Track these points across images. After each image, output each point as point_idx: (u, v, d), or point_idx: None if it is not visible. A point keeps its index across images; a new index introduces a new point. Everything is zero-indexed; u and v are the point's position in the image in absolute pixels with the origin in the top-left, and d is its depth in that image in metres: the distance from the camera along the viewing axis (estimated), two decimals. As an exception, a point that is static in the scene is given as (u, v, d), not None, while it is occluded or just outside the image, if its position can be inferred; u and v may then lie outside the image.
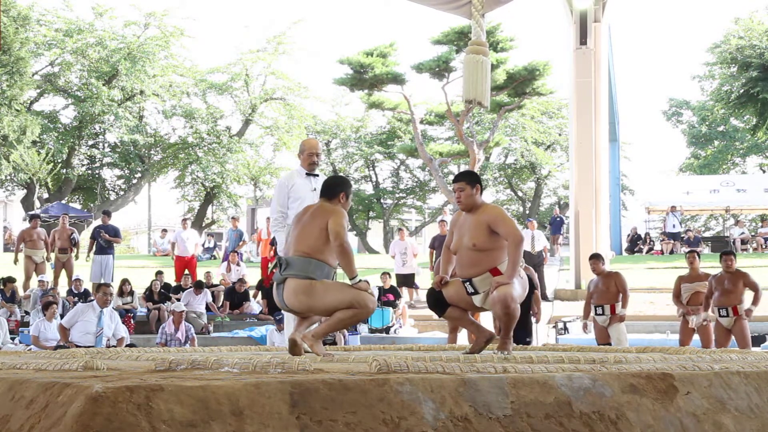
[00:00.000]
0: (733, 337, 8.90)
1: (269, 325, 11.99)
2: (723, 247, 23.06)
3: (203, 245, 21.16)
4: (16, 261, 13.73)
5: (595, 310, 9.02)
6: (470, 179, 4.98)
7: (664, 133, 70.17)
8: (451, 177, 34.63)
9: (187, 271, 13.99)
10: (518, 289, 4.81)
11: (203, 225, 33.03)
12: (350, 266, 4.52)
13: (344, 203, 4.69)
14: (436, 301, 5.05)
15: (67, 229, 13.92)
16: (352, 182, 37.85)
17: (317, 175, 5.85)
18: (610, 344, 8.65)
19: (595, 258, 9.15)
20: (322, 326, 4.56)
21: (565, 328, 11.96)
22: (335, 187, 4.73)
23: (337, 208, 4.60)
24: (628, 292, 9.06)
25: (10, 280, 12.78)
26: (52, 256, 13.77)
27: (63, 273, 13.72)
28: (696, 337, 9.26)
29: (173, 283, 13.78)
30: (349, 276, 4.54)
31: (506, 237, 4.80)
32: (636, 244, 24.45)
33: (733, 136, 37.22)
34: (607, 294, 8.94)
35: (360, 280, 4.54)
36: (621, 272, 9.29)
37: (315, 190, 5.66)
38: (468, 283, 4.90)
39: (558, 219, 21.39)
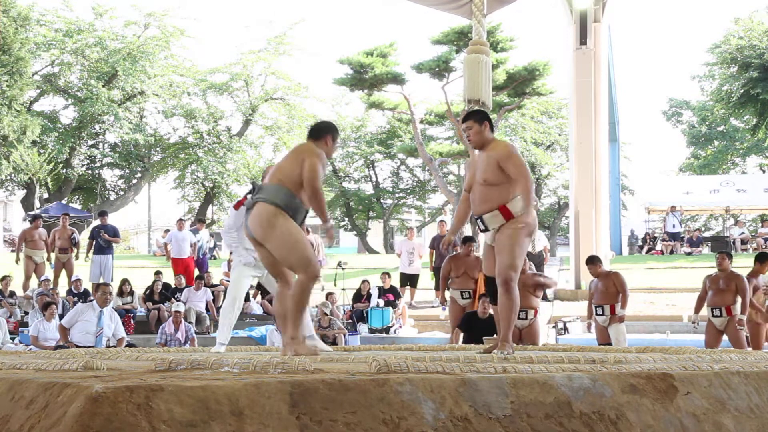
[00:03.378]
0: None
1: (269, 325, 11.99)
2: (722, 247, 23.14)
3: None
4: (17, 260, 13.74)
5: (595, 311, 9.05)
6: (478, 117, 5.04)
7: (664, 133, 70.23)
8: (451, 177, 34.68)
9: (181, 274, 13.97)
10: (520, 253, 4.85)
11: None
12: (322, 210, 4.52)
13: (329, 147, 4.68)
14: (494, 286, 5.03)
15: (67, 229, 13.91)
16: (351, 182, 37.64)
17: None
18: (610, 344, 8.66)
19: (592, 262, 9.16)
20: (290, 323, 4.54)
21: (565, 328, 11.96)
22: (322, 130, 4.74)
23: (317, 150, 4.56)
24: (628, 291, 9.07)
25: (3, 278, 12.76)
26: (53, 256, 13.76)
27: (63, 273, 13.70)
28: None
29: (172, 284, 13.76)
30: (322, 220, 4.54)
31: (515, 178, 4.86)
32: (645, 243, 24.29)
33: (733, 136, 37.20)
34: (606, 294, 8.97)
35: (331, 225, 4.57)
36: (620, 272, 9.30)
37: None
38: (479, 220, 4.96)
39: None
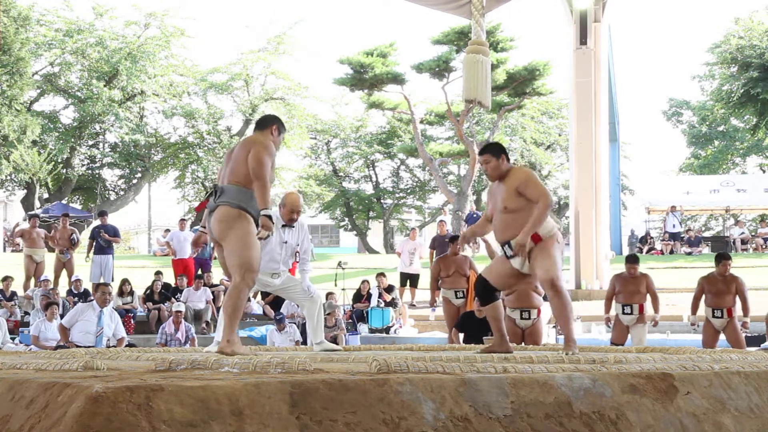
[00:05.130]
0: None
1: (269, 325, 11.98)
2: (722, 247, 23.10)
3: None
4: (10, 241, 13.75)
5: (623, 309, 9.04)
6: (494, 151, 5.07)
7: (664, 133, 70.10)
8: (451, 177, 34.68)
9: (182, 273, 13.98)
10: (557, 259, 4.94)
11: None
12: (263, 197, 4.56)
13: (275, 137, 4.78)
14: (484, 288, 5.12)
15: (67, 229, 13.94)
16: (351, 182, 37.57)
17: (293, 227, 5.91)
18: (621, 345, 8.65)
19: (635, 262, 9.14)
20: (226, 326, 4.56)
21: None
22: (267, 121, 4.86)
23: (263, 139, 4.67)
24: (657, 294, 9.15)
25: (5, 278, 12.78)
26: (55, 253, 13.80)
27: (63, 273, 13.71)
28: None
29: (172, 284, 13.75)
30: (260, 207, 4.57)
31: (536, 200, 4.91)
32: (644, 243, 24.21)
33: (733, 136, 37.19)
34: (637, 295, 9.00)
35: (268, 215, 4.56)
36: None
37: (286, 242, 5.80)
38: (507, 245, 5.00)
39: (474, 215, 19.99)
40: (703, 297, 8.98)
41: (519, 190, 4.93)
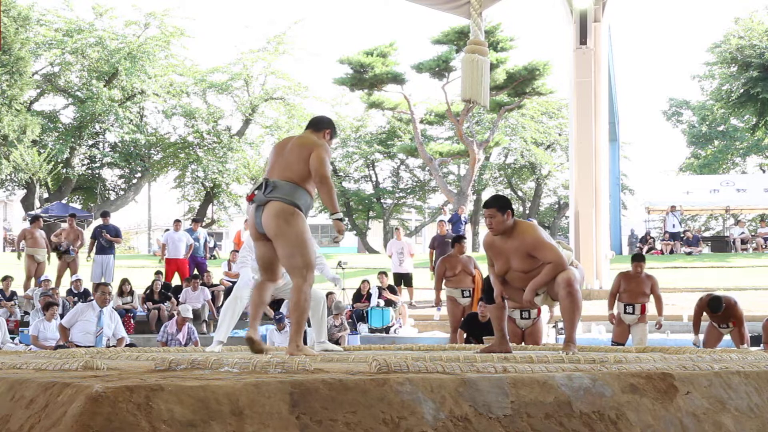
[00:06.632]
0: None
1: (269, 324, 11.97)
2: (723, 247, 23.12)
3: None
4: (19, 257, 13.79)
5: (625, 309, 9.04)
6: (501, 206, 4.91)
7: (664, 133, 70.17)
8: (451, 177, 34.67)
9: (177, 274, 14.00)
10: (578, 277, 4.95)
11: (204, 225, 32.96)
12: (331, 200, 4.51)
13: (328, 140, 4.73)
14: (492, 288, 5.10)
15: (74, 230, 14.00)
16: (351, 182, 37.54)
17: None
18: (623, 344, 8.66)
19: (640, 260, 9.13)
20: (292, 328, 4.57)
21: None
22: (322, 123, 4.82)
23: (320, 141, 4.63)
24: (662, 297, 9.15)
25: (4, 278, 12.79)
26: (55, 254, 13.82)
27: (67, 273, 13.74)
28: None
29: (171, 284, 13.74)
30: (331, 211, 4.55)
31: (550, 261, 4.87)
32: (644, 243, 24.21)
33: (733, 136, 37.19)
34: (641, 295, 9.00)
35: (341, 218, 4.59)
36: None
37: None
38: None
39: (461, 217, 18.29)
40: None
41: (530, 253, 4.87)
